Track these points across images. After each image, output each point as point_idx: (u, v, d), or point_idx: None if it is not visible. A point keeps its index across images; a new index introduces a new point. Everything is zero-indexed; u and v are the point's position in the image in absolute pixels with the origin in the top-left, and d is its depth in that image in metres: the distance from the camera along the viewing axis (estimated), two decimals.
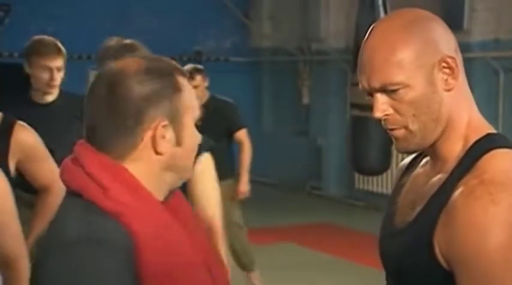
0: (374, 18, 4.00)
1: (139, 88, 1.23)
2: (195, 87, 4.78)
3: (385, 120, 1.30)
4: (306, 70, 9.48)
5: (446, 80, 1.28)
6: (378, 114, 1.29)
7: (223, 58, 10.26)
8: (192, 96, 1.30)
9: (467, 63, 8.46)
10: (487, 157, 1.24)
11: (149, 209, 1.22)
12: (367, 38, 1.32)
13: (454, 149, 1.30)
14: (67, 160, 1.28)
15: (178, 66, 1.32)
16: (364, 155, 4.66)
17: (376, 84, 1.28)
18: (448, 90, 1.28)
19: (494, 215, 1.17)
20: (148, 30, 9.67)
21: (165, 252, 1.20)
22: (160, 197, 1.29)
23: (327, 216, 7.82)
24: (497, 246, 1.16)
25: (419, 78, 1.26)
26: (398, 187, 1.44)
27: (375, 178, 7.99)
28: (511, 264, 1.17)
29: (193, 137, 1.30)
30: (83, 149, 1.27)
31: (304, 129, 9.57)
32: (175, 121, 1.26)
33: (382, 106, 1.28)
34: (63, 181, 1.27)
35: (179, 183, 1.33)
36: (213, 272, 1.31)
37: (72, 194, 1.25)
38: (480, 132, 1.30)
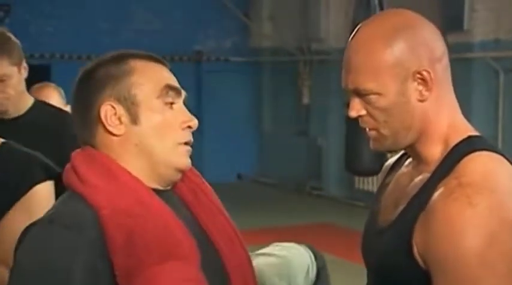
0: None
1: (90, 75, 1.29)
2: None
3: (360, 119, 1.32)
4: (306, 70, 9.49)
5: (420, 91, 1.28)
6: (352, 113, 1.30)
7: (223, 58, 10.27)
8: (146, 77, 1.28)
9: (467, 63, 8.47)
10: (467, 159, 1.24)
11: (120, 187, 1.24)
12: (351, 38, 1.32)
13: (435, 151, 1.30)
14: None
15: (141, 52, 1.33)
16: (358, 156, 4.67)
17: (350, 86, 1.30)
18: (422, 101, 1.28)
19: (470, 218, 1.17)
20: (148, 30, 9.69)
21: (130, 226, 1.20)
22: (153, 182, 1.29)
23: (327, 216, 7.82)
24: (472, 250, 1.16)
25: (392, 87, 1.26)
26: (383, 186, 1.44)
27: (374, 178, 7.99)
28: (485, 268, 1.16)
29: (156, 115, 1.27)
30: (80, 148, 1.32)
31: (304, 129, 9.58)
32: (125, 101, 1.27)
33: (356, 106, 1.30)
34: (64, 178, 1.31)
35: (168, 171, 1.29)
36: (226, 257, 1.32)
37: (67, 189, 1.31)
38: (462, 134, 1.29)
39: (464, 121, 1.34)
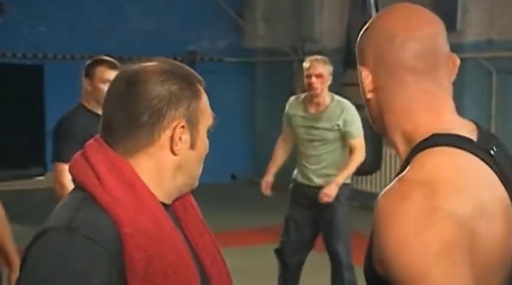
0: (365, 18, 4.02)
1: (159, 88, 1.27)
2: None
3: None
4: (300, 71, 9.50)
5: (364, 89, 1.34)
6: None
7: (217, 59, 10.27)
8: (207, 105, 1.34)
9: (460, 63, 8.47)
10: (417, 157, 1.22)
11: (141, 205, 1.23)
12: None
13: (405, 151, 1.30)
14: (78, 154, 1.30)
15: (197, 74, 1.35)
16: None
17: None
18: (370, 96, 1.33)
19: (401, 209, 1.14)
20: (142, 30, 9.68)
21: (150, 248, 1.20)
22: (167, 197, 1.31)
23: None
24: (412, 235, 1.12)
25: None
26: None
27: (369, 178, 8.01)
28: (428, 248, 1.11)
29: (204, 144, 1.34)
30: (93, 143, 1.30)
31: None
32: (192, 124, 1.30)
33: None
34: (72, 173, 1.29)
35: (186, 189, 1.36)
36: (211, 276, 1.35)
37: (78, 186, 1.28)
38: (425, 134, 1.26)
39: (435, 120, 1.29)
